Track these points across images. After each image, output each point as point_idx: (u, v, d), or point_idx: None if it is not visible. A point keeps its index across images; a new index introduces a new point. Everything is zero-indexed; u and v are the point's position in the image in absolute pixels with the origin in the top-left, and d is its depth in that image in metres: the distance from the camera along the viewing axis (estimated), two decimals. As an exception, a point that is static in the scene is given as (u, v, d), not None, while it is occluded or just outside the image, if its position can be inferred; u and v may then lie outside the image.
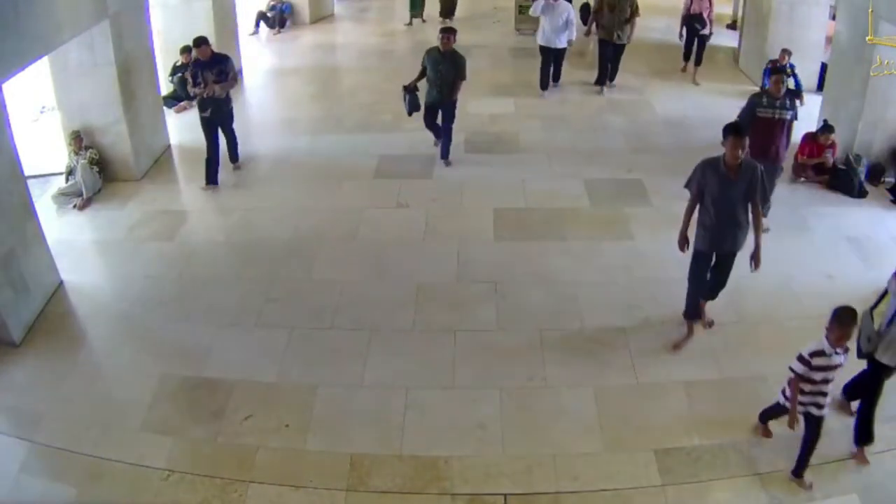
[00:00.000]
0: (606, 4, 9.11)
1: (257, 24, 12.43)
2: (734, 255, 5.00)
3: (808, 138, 7.33)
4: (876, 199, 7.00)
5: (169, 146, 8.23)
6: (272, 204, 6.99)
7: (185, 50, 9.25)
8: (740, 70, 10.60)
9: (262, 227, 6.63)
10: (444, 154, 7.57)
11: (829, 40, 8.98)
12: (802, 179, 7.26)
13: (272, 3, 12.77)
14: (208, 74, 6.88)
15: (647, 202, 6.90)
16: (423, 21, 12.95)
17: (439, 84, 7.24)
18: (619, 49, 9.43)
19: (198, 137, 8.49)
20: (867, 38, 6.51)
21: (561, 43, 9.20)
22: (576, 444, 4.35)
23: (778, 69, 6.71)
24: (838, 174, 7.16)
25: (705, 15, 9.64)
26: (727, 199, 4.72)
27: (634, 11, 9.18)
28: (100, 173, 7.16)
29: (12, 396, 4.75)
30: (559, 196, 6.96)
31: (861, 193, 7.03)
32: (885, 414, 4.48)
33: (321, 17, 13.45)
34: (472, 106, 9.17)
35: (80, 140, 7.08)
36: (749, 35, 10.49)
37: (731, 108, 9.15)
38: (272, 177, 7.60)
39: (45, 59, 6.29)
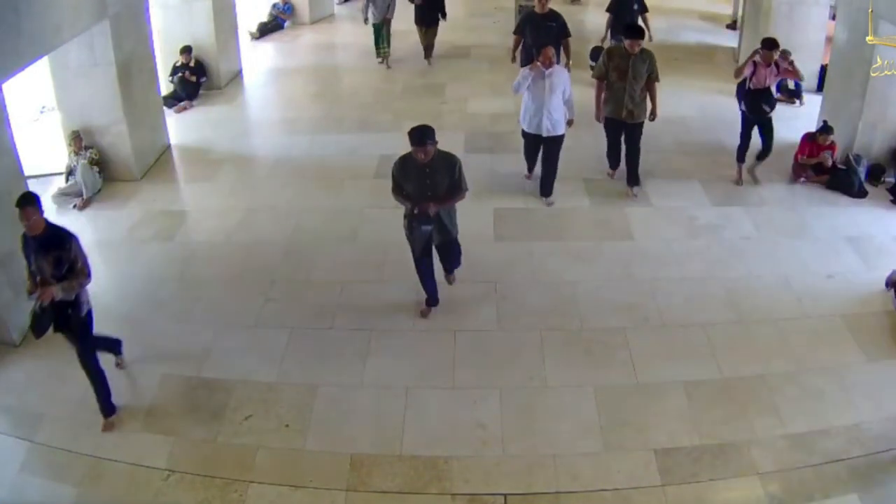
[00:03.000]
0: (614, 69, 6.52)
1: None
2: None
3: (808, 139, 7.33)
4: (876, 199, 7.00)
5: (169, 146, 8.23)
6: (272, 204, 6.99)
7: (185, 50, 9.28)
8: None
9: (262, 227, 6.63)
10: (448, 271, 5.58)
11: (829, 40, 8.98)
12: (802, 179, 7.26)
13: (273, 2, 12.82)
14: (43, 263, 4.25)
15: (647, 202, 6.90)
16: (388, 63, 10.64)
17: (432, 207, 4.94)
18: (634, 131, 6.77)
19: (198, 137, 8.55)
20: (867, 38, 6.50)
21: (556, 129, 6.55)
22: (576, 444, 4.35)
23: None
24: (838, 174, 7.16)
25: (773, 87, 7.09)
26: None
27: (654, 77, 6.62)
28: (100, 173, 7.16)
29: (12, 396, 4.76)
30: (559, 196, 6.95)
31: (861, 193, 7.02)
32: (885, 414, 4.50)
33: (321, 17, 13.45)
34: (473, 106, 9.19)
35: (80, 140, 7.08)
36: (749, 35, 10.47)
37: (731, 108, 9.19)
38: (272, 177, 7.59)
39: (45, 59, 6.29)
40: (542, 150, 6.77)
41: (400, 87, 9.87)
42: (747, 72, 6.82)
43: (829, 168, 7.21)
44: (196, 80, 9.40)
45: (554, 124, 6.54)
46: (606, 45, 9.02)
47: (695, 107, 9.01)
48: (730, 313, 5.42)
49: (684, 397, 4.67)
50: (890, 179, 7.19)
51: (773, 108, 7.01)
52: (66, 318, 4.27)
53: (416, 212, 4.89)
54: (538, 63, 6.34)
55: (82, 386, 4.81)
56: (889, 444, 4.28)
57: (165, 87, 9.04)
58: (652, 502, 4.00)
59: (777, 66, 6.84)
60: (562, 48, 8.04)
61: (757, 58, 6.79)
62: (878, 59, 6.50)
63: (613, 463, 4.22)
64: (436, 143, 4.85)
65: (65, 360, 5.04)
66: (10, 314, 5.12)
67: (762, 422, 4.46)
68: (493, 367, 4.94)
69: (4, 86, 5.22)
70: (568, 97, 6.58)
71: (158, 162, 7.89)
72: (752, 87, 6.86)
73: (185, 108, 9.24)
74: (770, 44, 6.75)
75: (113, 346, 4.89)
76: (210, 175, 7.62)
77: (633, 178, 6.98)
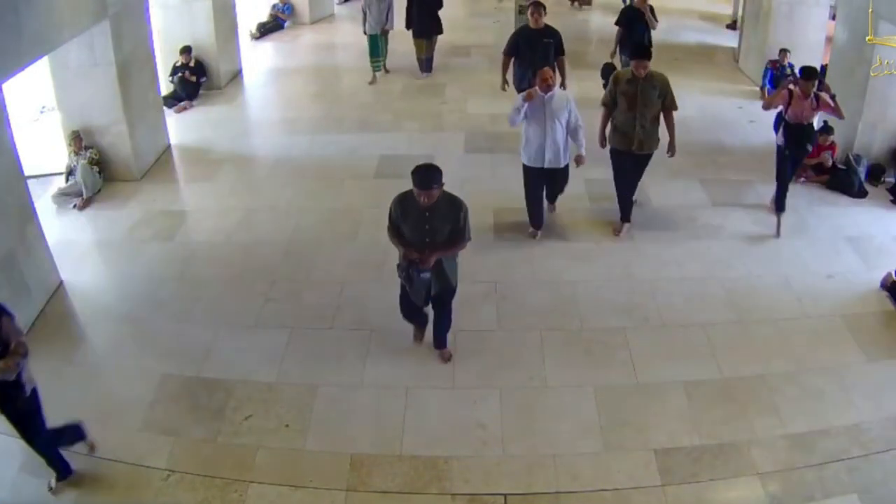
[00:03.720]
0: (621, 95, 5.89)
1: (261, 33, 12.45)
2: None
3: (808, 138, 7.33)
4: (876, 199, 7.00)
5: (169, 146, 8.23)
6: (272, 204, 6.99)
7: (185, 50, 9.28)
8: (740, 70, 10.61)
9: (262, 227, 6.63)
10: (440, 344, 5.04)
11: (829, 40, 8.98)
12: (802, 179, 7.25)
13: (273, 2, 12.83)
14: None
15: (647, 202, 6.89)
16: (387, 71, 10.37)
17: (431, 282, 4.61)
18: (643, 162, 6.17)
19: (198, 137, 8.55)
20: (867, 38, 6.51)
21: (560, 160, 5.97)
22: (576, 444, 4.35)
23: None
24: (838, 174, 7.16)
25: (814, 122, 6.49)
26: None
27: (669, 105, 5.93)
28: (100, 173, 7.16)
29: (12, 396, 4.74)
30: (560, 196, 6.95)
31: (861, 193, 7.03)
32: (885, 414, 4.50)
33: (321, 17, 13.45)
34: (472, 106, 9.19)
35: (79, 140, 7.08)
36: (749, 35, 10.49)
37: (730, 109, 9.23)
38: (272, 177, 7.59)
39: (45, 59, 6.28)
40: (548, 180, 6.19)
41: (400, 88, 9.87)
42: (780, 103, 6.14)
43: (829, 168, 7.21)
44: (196, 80, 9.41)
45: (560, 156, 5.95)
46: (617, 61, 8.61)
47: (695, 107, 9.00)
48: (730, 313, 5.42)
49: (684, 397, 4.67)
50: (890, 179, 7.20)
51: (814, 146, 6.35)
52: (7, 399, 3.78)
53: (414, 260, 4.45)
54: (535, 87, 5.74)
55: (82, 386, 4.83)
56: (889, 444, 4.28)
57: (165, 87, 9.04)
58: (652, 502, 4.00)
59: (817, 98, 5.99)
60: (557, 68, 7.20)
61: (793, 87, 6.05)
62: (878, 59, 6.51)
63: (613, 463, 4.22)
64: (442, 185, 4.36)
65: (65, 360, 5.06)
66: (10, 314, 5.11)
67: (762, 422, 4.46)
68: (493, 367, 4.94)
69: (4, 86, 5.22)
70: (575, 124, 5.86)
71: (158, 162, 7.89)
72: (790, 120, 6.09)
73: (185, 108, 9.24)
74: (809, 73, 5.95)
75: (74, 435, 4.16)
76: (210, 175, 7.62)
77: (626, 213, 6.37)
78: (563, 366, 4.94)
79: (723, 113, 9.03)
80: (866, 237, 6.36)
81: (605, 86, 8.04)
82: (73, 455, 4.26)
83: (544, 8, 7.21)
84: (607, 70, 8.55)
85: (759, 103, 9.30)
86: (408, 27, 10.04)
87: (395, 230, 4.58)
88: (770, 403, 4.59)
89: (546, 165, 5.94)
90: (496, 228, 6.51)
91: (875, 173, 7.24)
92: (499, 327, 5.32)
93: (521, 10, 12.45)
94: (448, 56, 10.90)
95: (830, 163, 7.20)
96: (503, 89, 7.70)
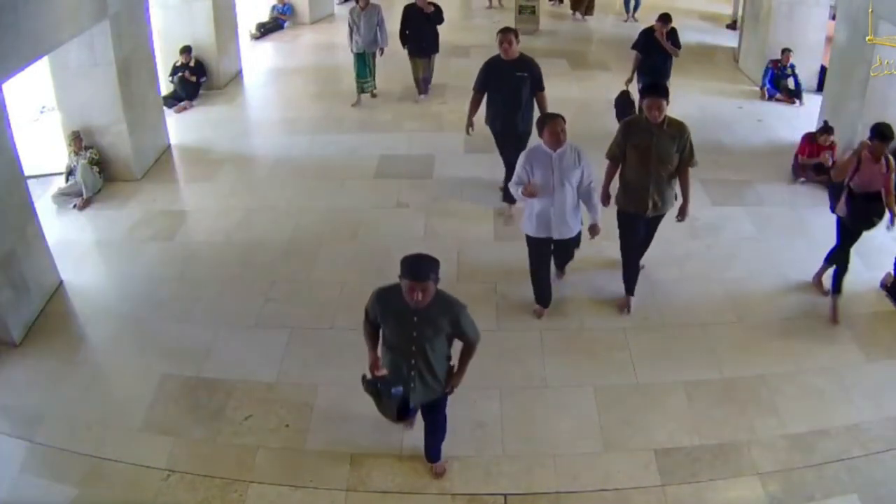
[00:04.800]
0: (633, 148, 4.94)
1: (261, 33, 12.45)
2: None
3: (808, 139, 7.33)
4: (876, 199, 6.99)
5: (169, 146, 8.23)
6: (272, 204, 6.99)
7: (185, 50, 9.28)
8: (740, 70, 10.61)
9: (262, 227, 6.63)
10: (433, 457, 4.18)
11: (829, 40, 8.99)
12: (802, 179, 7.26)
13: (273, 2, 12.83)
14: None
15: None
16: (374, 96, 9.49)
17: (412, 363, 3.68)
18: (655, 224, 5.39)
19: (198, 137, 8.55)
20: (867, 38, 6.51)
21: (572, 228, 5.04)
22: (576, 444, 4.35)
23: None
24: (838, 174, 7.15)
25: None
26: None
27: (687, 161, 5.00)
28: (100, 173, 7.16)
29: (12, 396, 4.75)
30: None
31: (861, 193, 7.01)
32: (885, 414, 4.50)
33: (321, 17, 13.46)
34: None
35: (79, 140, 7.08)
36: (749, 35, 10.50)
37: (730, 109, 9.23)
38: (272, 177, 7.59)
39: (45, 59, 6.28)
40: (557, 251, 5.34)
41: (400, 88, 9.87)
42: (848, 170, 5.11)
43: (829, 168, 7.21)
44: (196, 80, 9.41)
45: (571, 224, 5.00)
46: (633, 88, 7.68)
47: (695, 107, 9.01)
48: (730, 313, 5.42)
49: (684, 397, 4.67)
50: (890, 179, 7.17)
51: (881, 218, 5.14)
52: None
53: (377, 374, 3.59)
54: (533, 182, 4.78)
55: (82, 386, 4.83)
56: (889, 444, 4.28)
57: (165, 87, 9.04)
58: (652, 502, 4.00)
59: (888, 162, 4.98)
60: (536, 105, 6.26)
61: (864, 151, 5.02)
62: (878, 59, 6.51)
63: (613, 463, 4.22)
64: (438, 280, 3.42)
65: (65, 360, 5.06)
66: (10, 314, 5.12)
67: (762, 422, 4.46)
68: (493, 367, 4.93)
69: (4, 86, 5.22)
70: (588, 185, 4.89)
71: (158, 162, 7.89)
72: (855, 188, 5.09)
73: (185, 108, 9.24)
74: (885, 133, 4.87)
75: None
76: (210, 175, 7.62)
77: (631, 284, 5.42)
78: (563, 366, 4.94)
79: (723, 113, 9.03)
80: (866, 237, 6.32)
81: (618, 116, 7.40)
82: (73, 455, 4.27)
83: (516, 35, 6.14)
84: (623, 102, 7.85)
85: (760, 103, 9.41)
86: (403, 45, 9.10)
87: (372, 330, 3.72)
88: (770, 403, 4.59)
89: (555, 236, 5.00)
90: (496, 228, 6.51)
91: (875, 173, 7.22)
92: (499, 327, 5.31)
93: (521, 10, 12.55)
94: (448, 56, 10.88)
95: (830, 163, 7.20)
96: (468, 132, 6.63)
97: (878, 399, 4.61)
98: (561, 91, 9.87)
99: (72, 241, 6.38)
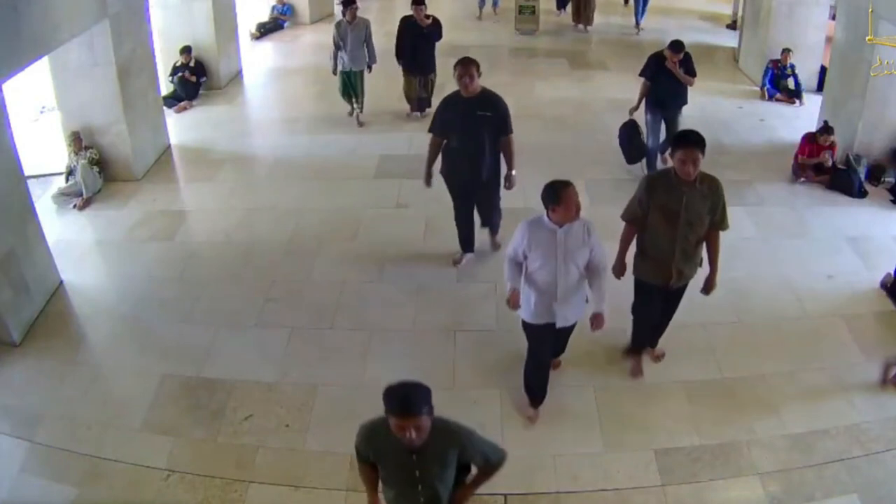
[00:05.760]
0: (658, 207, 4.17)
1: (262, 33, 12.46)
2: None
3: (808, 139, 7.34)
4: (876, 199, 7.00)
5: (169, 146, 8.23)
6: (272, 204, 6.99)
7: (185, 50, 9.29)
8: (740, 70, 10.62)
9: (262, 227, 6.62)
10: None
11: (829, 40, 8.99)
12: (802, 180, 7.26)
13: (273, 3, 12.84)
14: None
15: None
16: (360, 120, 8.68)
17: None
18: (678, 295, 4.60)
19: (198, 137, 8.55)
20: (867, 38, 6.51)
21: (577, 313, 4.24)
22: (576, 444, 4.35)
23: None
24: (838, 174, 7.16)
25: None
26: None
27: (719, 224, 4.22)
28: (100, 173, 7.16)
29: (12, 396, 4.75)
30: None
31: (861, 193, 7.03)
32: (885, 414, 4.50)
33: (321, 17, 13.46)
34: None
35: (79, 141, 7.08)
36: (749, 35, 10.50)
37: (730, 109, 9.23)
38: (272, 177, 7.60)
39: (45, 59, 6.28)
40: (558, 339, 4.45)
41: (400, 88, 9.85)
42: None
43: (829, 168, 7.21)
44: (196, 80, 9.41)
45: (575, 308, 4.19)
46: (642, 120, 7.12)
47: (695, 107, 8.97)
48: (730, 313, 5.41)
49: (684, 397, 4.67)
50: (890, 179, 7.19)
51: None
52: None
53: None
54: (515, 292, 4.05)
55: (82, 386, 4.82)
56: (889, 444, 4.28)
57: (165, 87, 9.04)
58: (652, 502, 4.00)
59: None
60: (502, 152, 5.47)
61: None
62: (878, 59, 6.51)
63: (613, 463, 4.22)
64: (433, 410, 2.80)
65: (65, 360, 5.06)
66: (10, 314, 5.12)
67: (762, 422, 4.46)
68: (493, 367, 4.93)
69: (4, 86, 5.22)
70: (598, 264, 4.05)
71: (158, 162, 7.89)
72: None
73: (185, 108, 9.24)
74: None
75: None
76: (210, 175, 7.62)
77: (643, 342, 4.86)
78: (563, 366, 4.94)
79: (723, 113, 9.03)
80: (866, 237, 6.36)
81: (623, 148, 7.07)
82: (73, 455, 4.27)
83: (478, 67, 5.22)
84: (629, 132, 7.11)
85: (760, 103, 9.41)
86: (398, 59, 8.50)
87: (368, 469, 3.10)
88: (770, 403, 4.59)
89: (558, 323, 4.15)
90: (496, 228, 6.51)
91: (875, 173, 7.24)
92: (499, 327, 5.31)
93: (521, 10, 12.55)
94: (447, 56, 10.87)
95: (830, 163, 7.20)
96: (427, 184, 5.65)
97: (878, 399, 4.61)
98: (561, 91, 9.93)
99: (72, 241, 6.38)
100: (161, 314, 5.52)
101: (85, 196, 6.96)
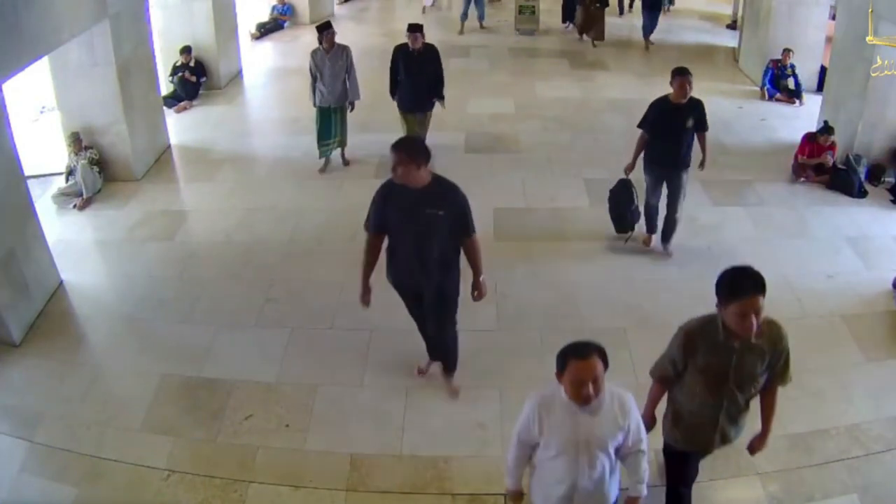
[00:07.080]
0: (700, 370, 3.21)
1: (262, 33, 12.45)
2: None
3: (808, 139, 7.34)
4: (876, 199, 7.00)
5: (169, 146, 8.23)
6: (272, 204, 6.99)
7: (185, 50, 9.29)
8: (740, 70, 10.61)
9: (262, 227, 6.63)
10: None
11: (829, 40, 8.99)
12: (802, 179, 7.26)
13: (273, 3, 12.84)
14: None
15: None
16: (345, 158, 7.72)
17: None
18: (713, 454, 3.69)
19: (198, 137, 8.55)
20: (867, 38, 6.51)
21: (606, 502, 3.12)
22: (576, 444, 4.34)
23: None
24: (838, 174, 7.16)
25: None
26: None
27: (781, 375, 3.25)
28: (100, 173, 7.16)
29: (12, 396, 4.75)
30: (559, 196, 6.95)
31: (861, 193, 7.03)
32: (885, 414, 4.49)
33: (321, 17, 13.44)
34: (472, 106, 9.19)
35: (79, 141, 7.08)
36: (749, 35, 10.50)
37: (730, 109, 9.23)
38: (272, 177, 7.59)
39: (45, 58, 6.29)
40: None
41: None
42: None
43: (829, 168, 7.22)
44: (196, 80, 9.42)
45: (605, 499, 3.10)
46: (642, 178, 5.95)
47: (695, 107, 9.00)
48: (730, 313, 5.40)
49: (684, 397, 4.65)
50: (890, 179, 7.20)
51: None
52: None
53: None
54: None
55: (82, 386, 4.82)
56: (889, 444, 4.28)
57: (165, 87, 9.05)
58: (652, 502, 3.99)
59: None
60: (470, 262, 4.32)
61: None
62: (878, 59, 6.51)
63: (613, 463, 4.21)
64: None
65: (65, 360, 5.06)
66: (10, 314, 5.12)
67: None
68: (493, 367, 4.93)
69: (4, 86, 5.22)
70: (636, 445, 3.05)
71: (158, 162, 7.89)
72: None
73: (185, 108, 9.24)
74: None
75: None
76: (210, 175, 7.62)
77: None
78: (563, 366, 4.93)
79: (723, 113, 9.02)
80: (866, 237, 6.36)
81: (612, 214, 6.00)
82: (73, 455, 4.27)
83: (427, 157, 4.02)
84: (621, 194, 5.98)
85: (760, 103, 9.42)
86: (392, 95, 7.45)
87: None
88: (770, 403, 4.58)
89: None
90: (496, 228, 6.50)
91: (875, 173, 7.24)
92: (499, 327, 5.31)
93: (521, 10, 12.55)
94: (447, 56, 10.87)
95: (830, 163, 7.21)
96: (363, 302, 4.45)
97: (878, 399, 4.61)
98: (561, 91, 9.93)
99: (72, 241, 6.38)
100: (161, 314, 5.52)
101: (85, 196, 6.96)
